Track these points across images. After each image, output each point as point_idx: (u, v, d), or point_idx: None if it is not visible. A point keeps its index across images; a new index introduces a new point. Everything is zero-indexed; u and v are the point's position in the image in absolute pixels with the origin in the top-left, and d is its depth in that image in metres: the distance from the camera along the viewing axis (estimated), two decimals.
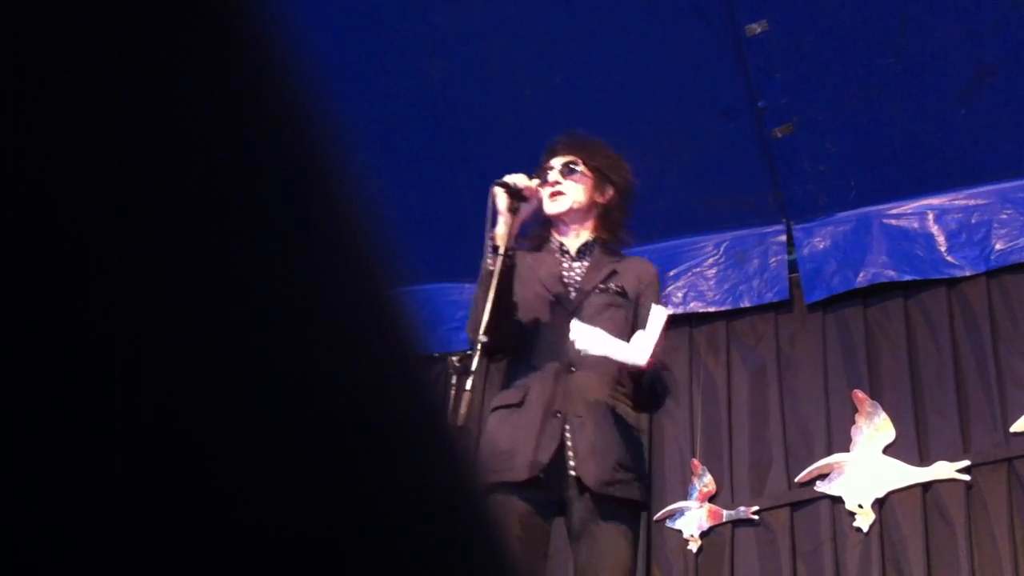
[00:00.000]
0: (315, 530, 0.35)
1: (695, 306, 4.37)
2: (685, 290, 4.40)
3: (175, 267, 0.31)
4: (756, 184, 4.27)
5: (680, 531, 4.06)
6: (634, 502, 2.59)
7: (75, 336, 0.29)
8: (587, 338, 2.49)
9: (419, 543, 0.39)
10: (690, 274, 4.42)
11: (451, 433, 0.43)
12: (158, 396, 0.31)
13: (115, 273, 0.30)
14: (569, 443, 2.52)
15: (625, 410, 2.63)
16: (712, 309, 4.36)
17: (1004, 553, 3.59)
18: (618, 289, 2.72)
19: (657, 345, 2.45)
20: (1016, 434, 3.73)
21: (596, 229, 2.81)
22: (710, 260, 4.42)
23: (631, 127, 4.08)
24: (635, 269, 2.79)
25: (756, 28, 3.82)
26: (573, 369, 2.58)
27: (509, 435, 2.54)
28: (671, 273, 4.40)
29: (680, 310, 4.36)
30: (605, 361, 2.55)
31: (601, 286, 2.71)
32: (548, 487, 2.52)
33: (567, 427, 2.53)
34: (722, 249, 4.42)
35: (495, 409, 2.64)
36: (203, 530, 0.32)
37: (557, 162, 2.79)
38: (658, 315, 2.47)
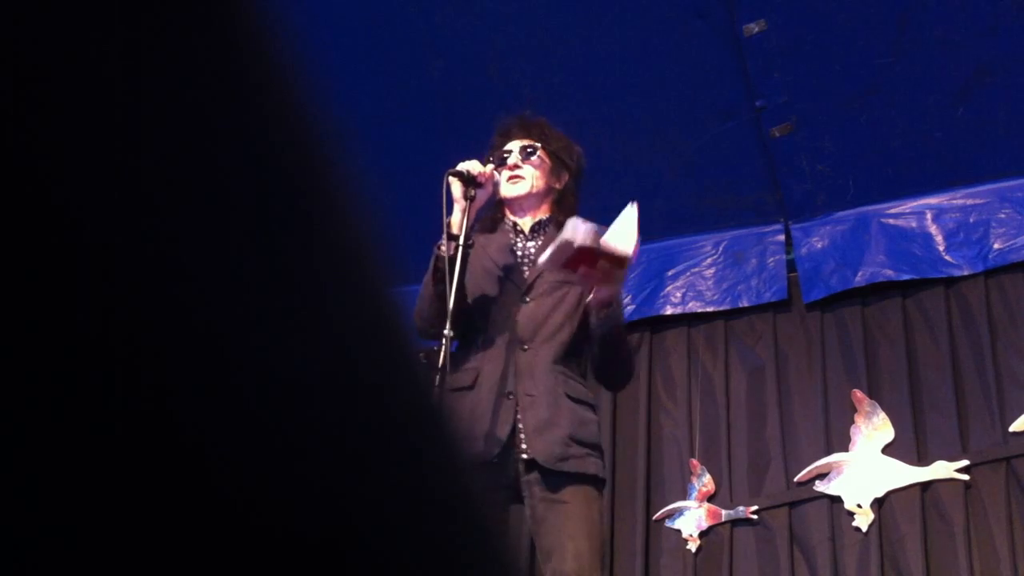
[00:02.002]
0: (314, 530, 0.35)
1: (693, 306, 4.37)
2: (683, 290, 4.40)
3: (174, 267, 0.31)
4: (754, 183, 4.27)
5: (679, 531, 4.06)
6: (590, 476, 2.52)
7: (75, 336, 0.29)
8: (575, 232, 2.36)
9: (417, 542, 0.39)
10: (688, 274, 4.41)
11: (449, 431, 0.43)
12: (157, 396, 0.31)
13: (115, 273, 0.30)
14: (520, 424, 2.49)
15: (576, 387, 2.58)
16: (710, 309, 4.36)
17: (1003, 552, 3.59)
18: None
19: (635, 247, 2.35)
20: (1015, 433, 3.74)
21: (550, 212, 2.78)
22: (708, 260, 4.42)
23: (630, 126, 4.08)
24: None
25: (755, 27, 3.82)
26: (525, 347, 2.55)
27: (463, 418, 2.51)
28: (669, 273, 4.40)
29: (678, 310, 4.36)
30: (556, 337, 2.54)
31: None
32: (503, 471, 2.48)
33: (518, 408, 2.49)
34: (720, 249, 4.42)
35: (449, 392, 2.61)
36: (202, 530, 0.32)
37: (515, 145, 2.76)
38: (629, 212, 2.35)
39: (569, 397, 2.55)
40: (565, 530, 2.46)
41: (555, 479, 2.48)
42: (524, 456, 2.48)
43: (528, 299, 2.62)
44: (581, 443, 2.53)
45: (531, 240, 2.74)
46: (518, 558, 2.53)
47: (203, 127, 0.32)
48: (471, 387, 2.54)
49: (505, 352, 2.55)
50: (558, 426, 2.49)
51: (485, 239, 2.74)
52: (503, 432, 2.48)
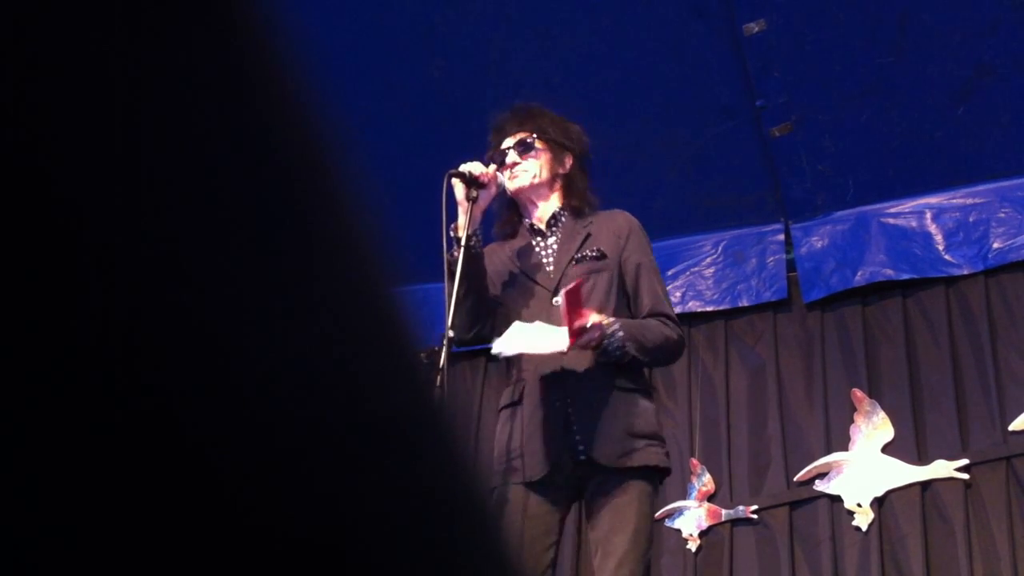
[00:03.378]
0: (313, 529, 0.35)
1: (693, 305, 4.37)
2: (683, 289, 4.40)
3: (174, 267, 0.31)
4: (754, 183, 4.27)
5: (679, 530, 4.06)
6: (651, 468, 2.51)
7: (75, 336, 0.29)
8: (503, 344, 2.46)
9: (417, 543, 0.39)
10: (688, 273, 4.42)
11: (450, 432, 0.43)
12: (157, 396, 0.31)
13: (115, 273, 0.30)
14: (575, 427, 2.48)
15: (626, 374, 2.55)
16: (710, 308, 4.36)
17: (1003, 551, 3.59)
18: (594, 253, 2.66)
19: (578, 323, 2.40)
20: (1014, 432, 3.74)
21: (562, 199, 2.76)
22: (708, 259, 4.42)
23: (630, 126, 4.08)
24: (610, 225, 2.72)
25: (755, 27, 3.82)
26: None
27: (515, 434, 2.51)
28: (669, 272, 4.40)
29: (679, 309, 4.35)
30: None
31: (577, 256, 2.66)
32: (563, 477, 2.49)
33: (570, 412, 2.49)
34: (720, 248, 4.42)
35: (501, 409, 2.62)
36: (202, 529, 0.32)
37: (511, 141, 2.76)
38: (562, 300, 2.42)
39: (620, 388, 2.53)
40: (613, 525, 2.46)
41: (613, 475, 2.48)
42: (582, 458, 2.47)
43: (557, 298, 2.59)
44: (639, 435, 2.50)
45: (550, 236, 2.73)
46: (518, 557, 2.53)
47: (203, 127, 0.32)
48: (519, 401, 2.55)
49: (546, 358, 2.52)
50: (613, 421, 2.48)
51: (509, 246, 2.74)
52: (559, 437, 2.47)
